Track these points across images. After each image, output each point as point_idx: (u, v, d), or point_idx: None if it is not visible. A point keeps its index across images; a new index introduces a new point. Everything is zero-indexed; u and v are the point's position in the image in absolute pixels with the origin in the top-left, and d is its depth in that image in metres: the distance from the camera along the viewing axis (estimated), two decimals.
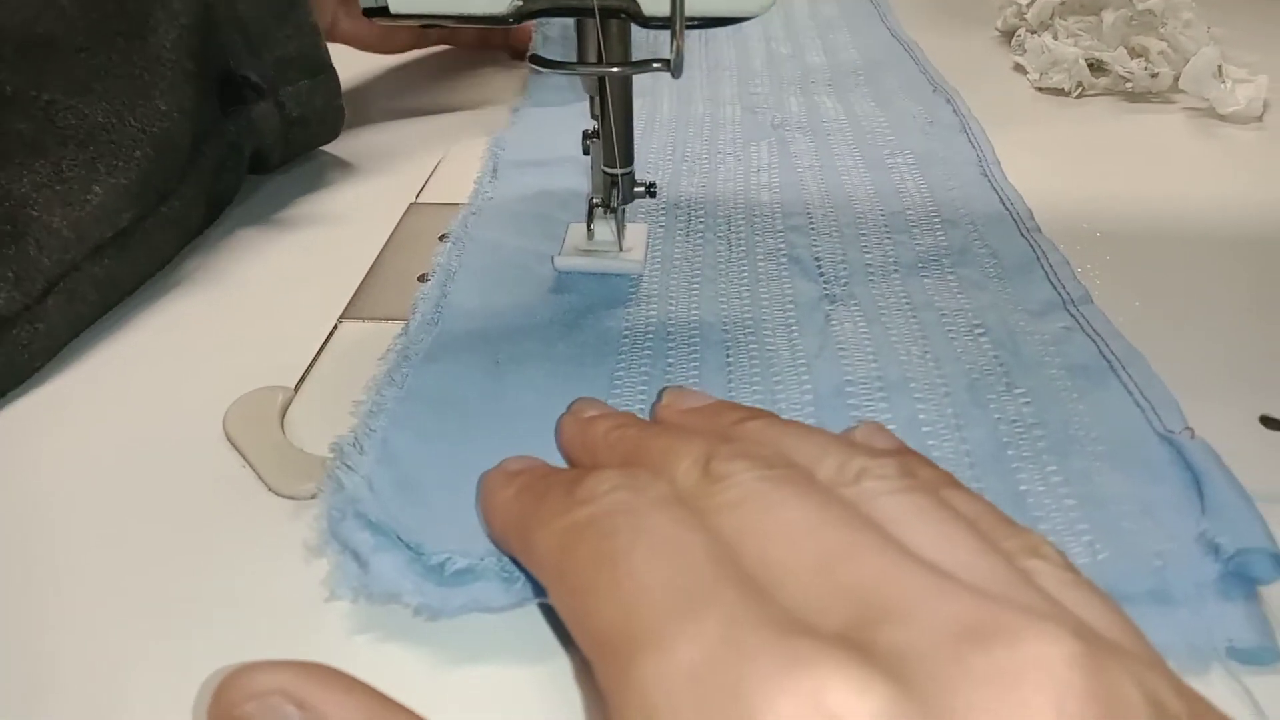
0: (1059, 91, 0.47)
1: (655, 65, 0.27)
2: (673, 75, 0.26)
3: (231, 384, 0.27)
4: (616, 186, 0.31)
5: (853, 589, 0.14)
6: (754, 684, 0.13)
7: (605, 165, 0.31)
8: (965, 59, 0.51)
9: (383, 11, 0.26)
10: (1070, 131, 0.44)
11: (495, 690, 0.19)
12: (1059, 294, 0.30)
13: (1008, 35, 0.53)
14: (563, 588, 0.17)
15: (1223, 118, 0.44)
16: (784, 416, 0.25)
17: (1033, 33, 0.50)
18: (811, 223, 0.35)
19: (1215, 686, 0.19)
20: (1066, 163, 0.41)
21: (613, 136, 0.29)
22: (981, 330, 0.29)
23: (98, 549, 0.23)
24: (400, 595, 0.20)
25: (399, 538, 0.21)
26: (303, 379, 0.28)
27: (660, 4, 0.25)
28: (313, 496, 0.24)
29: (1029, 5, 0.50)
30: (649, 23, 0.26)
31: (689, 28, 0.25)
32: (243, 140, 0.37)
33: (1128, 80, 0.46)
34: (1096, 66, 0.46)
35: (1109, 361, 0.27)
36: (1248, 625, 0.19)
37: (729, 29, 0.27)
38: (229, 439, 0.26)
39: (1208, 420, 0.25)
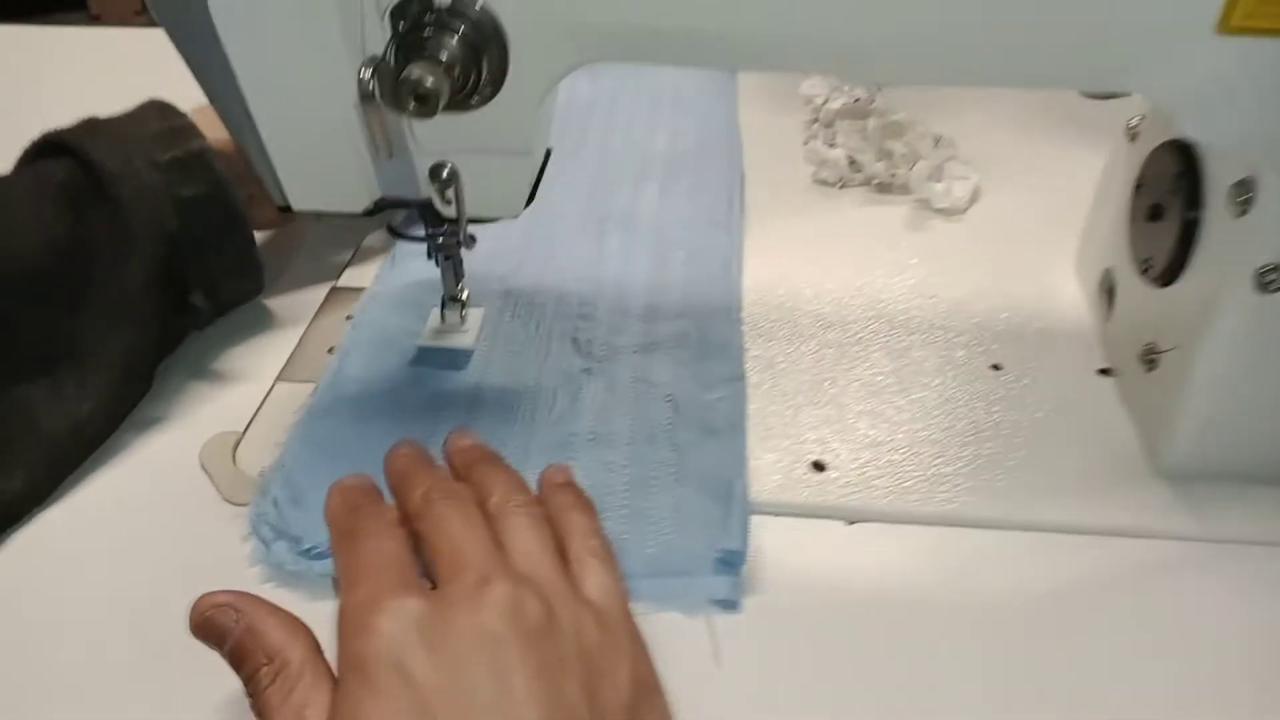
0: (827, 183, 0.62)
1: (470, 236, 0.44)
2: (465, 249, 0.43)
3: (203, 428, 0.45)
4: (444, 304, 0.48)
5: (458, 562, 0.31)
6: (378, 609, 0.29)
7: (444, 283, 0.47)
8: (773, 147, 0.66)
9: (287, 209, 0.43)
10: (824, 220, 0.59)
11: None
12: (731, 372, 0.47)
13: (812, 124, 0.68)
14: (337, 568, 0.34)
15: (938, 211, 0.59)
16: (533, 457, 0.43)
17: (827, 126, 0.65)
18: (596, 311, 0.51)
19: (698, 623, 0.36)
20: (809, 250, 0.56)
21: (444, 271, 0.46)
22: (670, 399, 0.45)
23: (110, 541, 0.41)
24: (285, 565, 0.38)
25: (288, 533, 0.39)
26: (248, 426, 0.45)
27: (450, 210, 0.41)
28: (247, 505, 0.41)
29: (822, 106, 0.65)
30: (444, 220, 0.42)
31: (470, 222, 0.42)
32: (183, 331, 0.48)
33: (874, 177, 0.61)
34: (855, 164, 0.62)
35: (729, 425, 0.43)
36: (725, 589, 0.37)
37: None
38: (202, 466, 0.43)
39: (779, 463, 0.42)
